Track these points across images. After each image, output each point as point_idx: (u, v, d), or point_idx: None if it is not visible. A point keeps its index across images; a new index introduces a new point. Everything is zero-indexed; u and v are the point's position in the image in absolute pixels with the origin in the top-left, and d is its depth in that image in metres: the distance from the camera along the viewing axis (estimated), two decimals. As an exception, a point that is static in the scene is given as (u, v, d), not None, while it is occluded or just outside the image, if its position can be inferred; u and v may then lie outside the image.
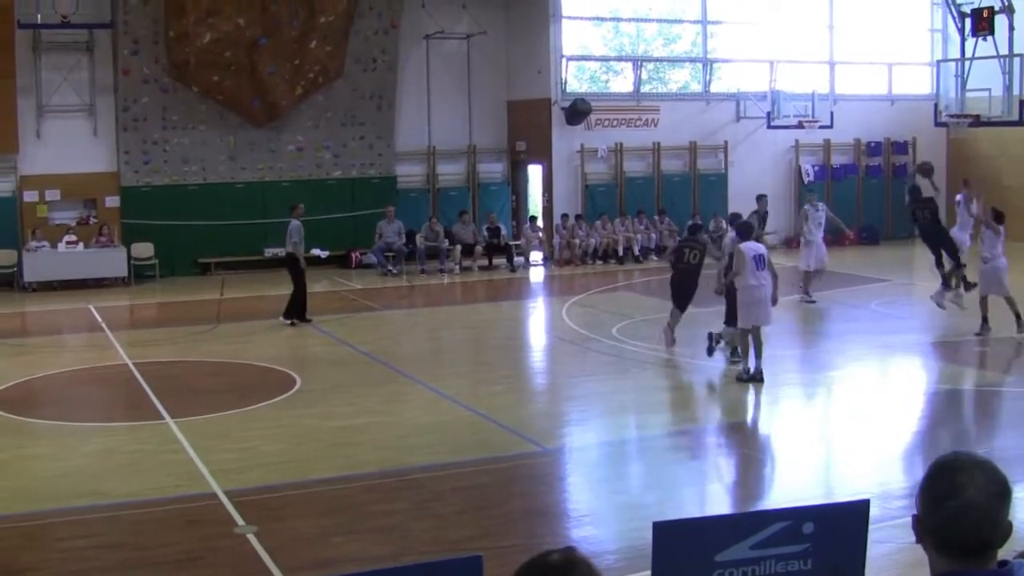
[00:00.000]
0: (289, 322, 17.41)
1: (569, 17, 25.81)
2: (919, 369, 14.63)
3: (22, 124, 22.30)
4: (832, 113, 26.77)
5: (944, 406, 12.71)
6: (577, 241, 24.79)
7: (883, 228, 28.10)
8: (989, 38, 24.27)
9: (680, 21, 27.72)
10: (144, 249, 23.08)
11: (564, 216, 24.99)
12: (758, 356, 12.94)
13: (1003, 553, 2.59)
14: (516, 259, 24.38)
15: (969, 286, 16.35)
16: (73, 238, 22.25)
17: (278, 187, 24.00)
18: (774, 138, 26.91)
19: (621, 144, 25.97)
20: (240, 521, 8.47)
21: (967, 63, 25.38)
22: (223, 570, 7.77)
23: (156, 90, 23.02)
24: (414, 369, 14.29)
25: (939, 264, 17.08)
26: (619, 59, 27.76)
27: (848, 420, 11.86)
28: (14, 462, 10.38)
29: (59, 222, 22.72)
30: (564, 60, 25.52)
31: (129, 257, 22.62)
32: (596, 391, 13.09)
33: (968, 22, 24.78)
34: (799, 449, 11.01)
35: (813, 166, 28.00)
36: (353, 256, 24.36)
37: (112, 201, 23.16)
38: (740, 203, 23.46)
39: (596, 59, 27.65)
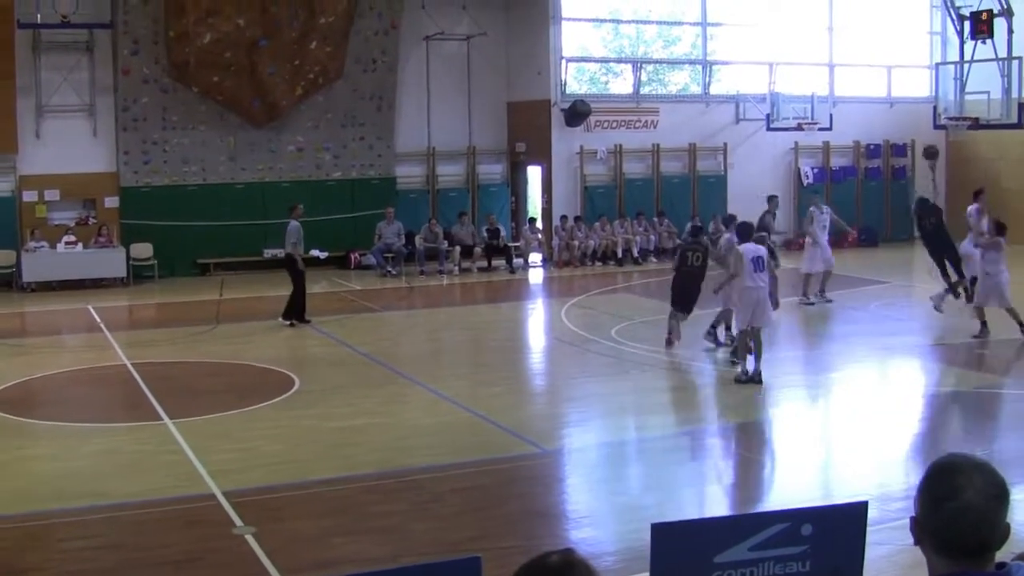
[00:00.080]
0: (288, 323, 17.41)
1: (569, 19, 25.83)
2: (918, 371, 14.64)
3: (21, 124, 22.30)
4: (831, 115, 26.82)
5: (943, 408, 12.73)
6: (576, 243, 24.80)
7: (882, 230, 28.11)
8: (988, 41, 24.27)
9: (680, 23, 27.74)
10: (143, 249, 23.09)
11: (563, 217, 25.00)
12: (757, 358, 12.95)
13: (1001, 555, 2.59)
14: (515, 260, 24.39)
15: (971, 299, 16.28)
16: (72, 238, 22.25)
17: (278, 188, 24.00)
18: (773, 140, 26.93)
19: (620, 146, 25.98)
20: (239, 522, 8.47)
21: (966, 66, 25.39)
22: (222, 571, 7.77)
23: (156, 90, 23.02)
24: (413, 370, 14.30)
25: (944, 274, 16.97)
26: (619, 61, 27.77)
27: (847, 422, 11.87)
28: (14, 463, 10.38)
29: (58, 222, 22.72)
30: (564, 61, 25.53)
31: (128, 257, 22.61)
32: (595, 392, 13.09)
33: (967, 25, 24.78)
34: (798, 451, 11.02)
35: (812, 168, 28.02)
36: (352, 257, 24.37)
37: (111, 201, 23.16)
38: (739, 205, 23.49)
39: (596, 61, 27.66)
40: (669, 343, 15.14)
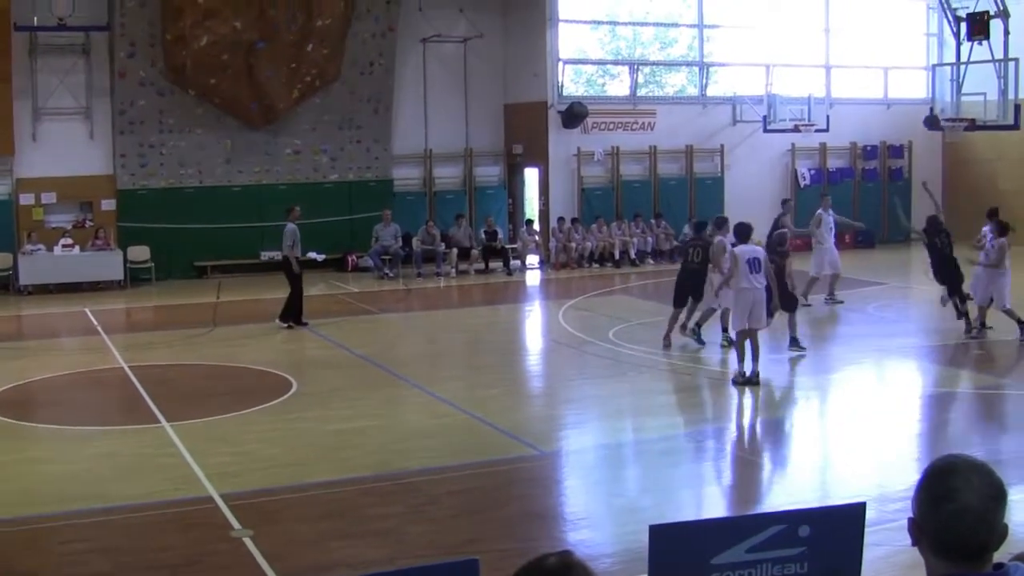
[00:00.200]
0: (285, 325, 17.40)
1: (566, 21, 25.84)
2: (915, 372, 14.64)
3: (18, 127, 22.28)
4: (828, 117, 26.83)
5: (940, 409, 12.72)
6: (573, 244, 24.80)
7: (879, 231, 28.13)
8: (984, 42, 24.30)
9: (676, 25, 27.76)
10: (140, 252, 23.07)
11: (560, 219, 25.00)
12: (755, 359, 12.95)
13: (999, 556, 2.59)
14: (512, 262, 24.39)
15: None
16: (69, 241, 22.24)
17: (275, 190, 23.99)
18: (770, 142, 26.94)
19: (617, 147, 25.99)
20: (236, 525, 8.46)
21: (962, 67, 25.42)
22: (220, 574, 7.76)
23: (153, 93, 23.01)
24: (411, 372, 14.29)
25: (957, 294, 16.32)
26: (616, 63, 27.78)
27: (845, 423, 11.87)
28: (12, 465, 10.37)
29: (55, 225, 22.71)
30: (561, 63, 25.54)
31: (125, 260, 22.59)
32: (593, 394, 13.09)
33: (963, 26, 24.79)
34: (796, 452, 11.03)
35: (809, 170, 28.04)
36: (349, 259, 24.37)
37: (108, 204, 23.14)
38: (736, 206, 23.54)
39: (593, 63, 27.67)
40: (666, 343, 15.18)
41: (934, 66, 27.82)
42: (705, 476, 10.34)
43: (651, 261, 25.04)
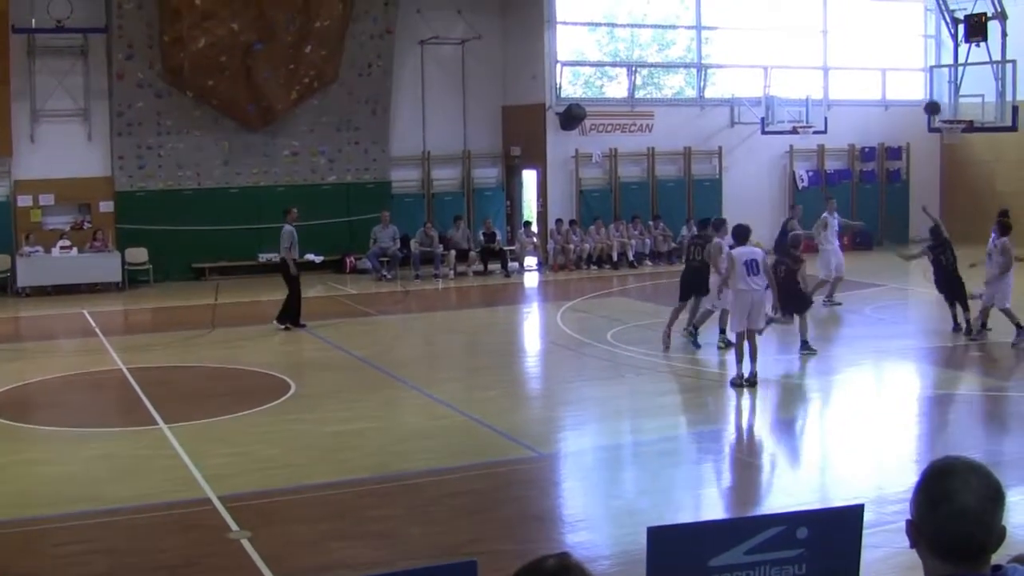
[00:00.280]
0: (283, 327, 17.39)
1: (564, 22, 25.84)
2: (914, 374, 14.64)
3: (16, 128, 22.27)
4: (826, 118, 26.83)
5: (939, 410, 12.72)
6: (572, 246, 24.80)
7: (876, 233, 28.14)
8: (982, 44, 24.34)
9: (675, 27, 27.78)
10: (138, 254, 23.06)
11: (559, 221, 25.00)
12: (753, 360, 12.95)
13: (997, 557, 2.60)
14: (511, 264, 24.39)
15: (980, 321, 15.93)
16: (67, 243, 22.23)
17: (273, 192, 23.97)
18: (768, 143, 26.95)
19: (616, 149, 26.00)
20: (235, 526, 8.46)
21: (960, 69, 25.45)
22: (218, 575, 7.76)
23: (151, 95, 23.00)
24: (409, 374, 14.29)
25: (963, 306, 16.24)
26: (614, 64, 27.79)
27: (843, 424, 11.87)
28: (10, 467, 10.37)
29: (53, 227, 22.70)
30: (559, 65, 25.55)
31: (123, 262, 22.58)
32: (591, 396, 13.09)
33: (961, 28, 24.84)
34: (794, 454, 11.04)
35: (807, 171, 28.05)
36: (348, 261, 24.36)
37: (106, 206, 23.13)
38: (734, 208, 23.58)
39: (591, 64, 27.68)
40: (666, 342, 15.21)
41: (932, 68, 27.85)
42: (703, 478, 10.34)
43: (649, 263, 25.04)
